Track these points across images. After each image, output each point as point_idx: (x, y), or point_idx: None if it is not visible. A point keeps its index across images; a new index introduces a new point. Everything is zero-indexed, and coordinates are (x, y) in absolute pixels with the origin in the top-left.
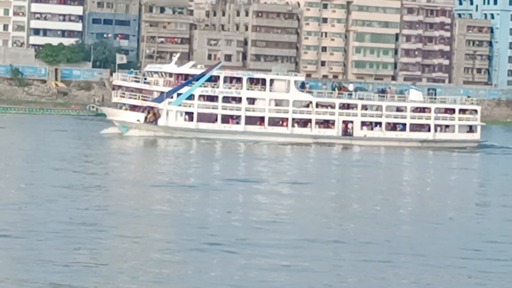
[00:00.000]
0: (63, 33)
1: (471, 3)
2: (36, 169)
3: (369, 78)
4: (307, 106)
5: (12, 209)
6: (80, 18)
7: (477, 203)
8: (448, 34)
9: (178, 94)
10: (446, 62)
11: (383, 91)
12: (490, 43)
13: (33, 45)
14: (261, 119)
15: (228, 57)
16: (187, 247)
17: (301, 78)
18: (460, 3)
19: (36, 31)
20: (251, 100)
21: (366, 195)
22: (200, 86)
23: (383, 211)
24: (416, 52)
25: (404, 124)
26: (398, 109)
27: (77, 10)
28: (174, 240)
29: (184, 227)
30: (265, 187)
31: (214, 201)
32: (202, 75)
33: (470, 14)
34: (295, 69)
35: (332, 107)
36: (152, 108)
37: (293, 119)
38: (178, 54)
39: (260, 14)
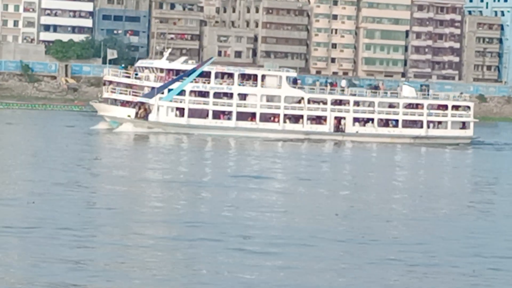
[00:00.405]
0: (73, 29)
1: (481, 1)
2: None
3: (379, 75)
4: (299, 102)
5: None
6: (91, 14)
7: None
8: (458, 31)
9: (169, 90)
10: (456, 59)
11: (375, 87)
12: (500, 40)
13: (43, 41)
14: (253, 115)
15: (238, 54)
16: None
17: (293, 74)
18: (471, 0)
19: (46, 27)
20: (243, 96)
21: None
22: (191, 81)
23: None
24: (426, 49)
25: (397, 120)
26: (391, 105)
27: (88, 6)
28: (191, 239)
29: (191, 227)
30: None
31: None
32: (193, 70)
33: (480, 11)
34: (305, 66)
35: (324, 103)
36: (143, 103)
37: (285, 115)
38: (170, 49)
39: (270, 11)
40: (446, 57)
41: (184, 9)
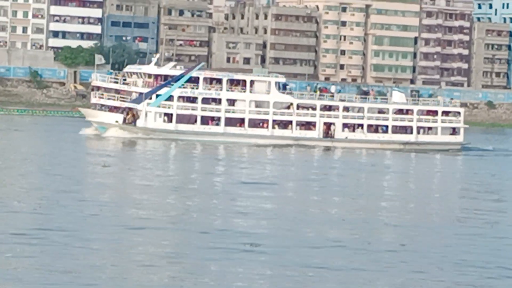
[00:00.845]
0: (82, 35)
1: (490, 7)
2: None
3: (387, 81)
4: (288, 107)
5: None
6: (99, 20)
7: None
8: (467, 38)
9: (157, 95)
10: (465, 66)
11: (365, 93)
12: (509, 47)
13: (52, 47)
14: (241, 121)
15: (246, 60)
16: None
17: (282, 79)
18: (479, 7)
19: (55, 34)
20: (231, 102)
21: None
22: (180, 87)
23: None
24: (435, 56)
25: (386, 126)
26: (380, 111)
27: (96, 12)
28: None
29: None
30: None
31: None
32: (182, 76)
33: (489, 18)
34: (313, 73)
35: (314, 108)
36: (130, 109)
37: (274, 120)
38: (158, 55)
39: (279, 17)
40: (455, 64)
41: (192, 15)
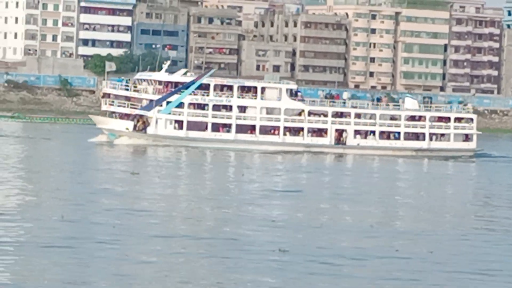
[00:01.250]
0: (112, 43)
1: None
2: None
3: (417, 89)
4: (300, 114)
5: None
6: (129, 28)
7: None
8: (497, 45)
9: (168, 102)
10: (495, 73)
11: (378, 100)
12: None
13: (82, 55)
14: (252, 128)
15: (276, 68)
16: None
17: (293, 86)
18: (509, 14)
19: (85, 42)
20: (242, 108)
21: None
22: (190, 94)
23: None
24: (465, 63)
25: (399, 133)
26: (392, 118)
27: (126, 20)
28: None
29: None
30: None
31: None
32: (192, 83)
33: None
34: (343, 80)
35: (325, 115)
36: (141, 116)
37: (285, 127)
38: (169, 62)
39: (308, 25)
40: (484, 71)
41: (222, 23)
